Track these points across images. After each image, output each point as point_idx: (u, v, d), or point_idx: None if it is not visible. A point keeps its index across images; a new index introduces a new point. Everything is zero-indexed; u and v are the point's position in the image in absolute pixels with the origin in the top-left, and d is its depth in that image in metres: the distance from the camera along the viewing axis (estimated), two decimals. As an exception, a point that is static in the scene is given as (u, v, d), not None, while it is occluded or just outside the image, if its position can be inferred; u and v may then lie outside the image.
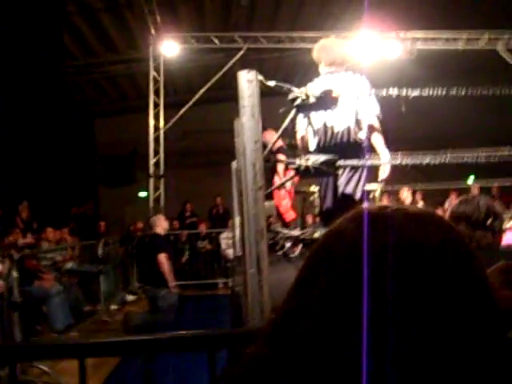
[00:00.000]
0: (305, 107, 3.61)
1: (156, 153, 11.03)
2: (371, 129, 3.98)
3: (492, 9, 10.79)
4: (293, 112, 3.72)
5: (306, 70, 10.72)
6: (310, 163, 3.44)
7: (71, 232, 10.53)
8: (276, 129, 4.26)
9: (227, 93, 12.26)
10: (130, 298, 10.24)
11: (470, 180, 9.89)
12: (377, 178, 4.16)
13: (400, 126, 9.79)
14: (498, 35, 10.88)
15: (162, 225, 7.44)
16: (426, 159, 3.75)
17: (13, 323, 5.38)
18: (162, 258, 7.01)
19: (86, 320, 7.78)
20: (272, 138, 4.71)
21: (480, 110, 11.96)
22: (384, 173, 4.02)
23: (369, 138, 4.01)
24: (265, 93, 3.33)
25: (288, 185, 5.48)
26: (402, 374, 0.58)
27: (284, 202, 5.95)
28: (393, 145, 4.15)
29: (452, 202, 9.16)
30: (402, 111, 3.74)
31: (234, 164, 6.59)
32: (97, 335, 7.22)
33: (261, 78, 3.29)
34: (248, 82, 3.20)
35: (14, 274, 5.50)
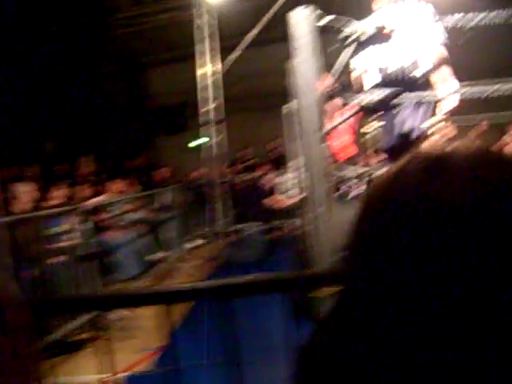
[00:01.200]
0: (358, 45, 3.52)
1: (214, 98, 11.00)
2: (438, 58, 3.84)
3: None
4: (346, 51, 3.63)
5: (360, 3, 10.30)
6: (374, 98, 3.38)
7: (138, 182, 10.79)
8: (327, 69, 4.17)
9: (277, 34, 12.00)
10: (199, 242, 10.50)
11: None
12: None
13: (464, 58, 9.37)
14: None
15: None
16: (495, 86, 3.59)
17: (92, 273, 5.62)
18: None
19: (157, 266, 8.05)
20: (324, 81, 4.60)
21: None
22: (452, 102, 3.87)
23: (430, 72, 3.87)
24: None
25: (350, 120, 5.40)
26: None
27: (345, 138, 5.86)
28: (456, 76, 4.00)
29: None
30: (465, 41, 3.59)
31: (284, 108, 6.58)
32: (170, 281, 7.49)
33: (317, 13, 3.20)
34: (305, 19, 3.12)
35: (87, 225, 5.72)
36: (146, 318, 5.52)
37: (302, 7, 3.18)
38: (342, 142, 5.93)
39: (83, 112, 12.13)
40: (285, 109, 6.41)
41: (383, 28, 3.33)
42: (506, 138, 9.01)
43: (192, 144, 14.29)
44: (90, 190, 8.40)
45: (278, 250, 8.31)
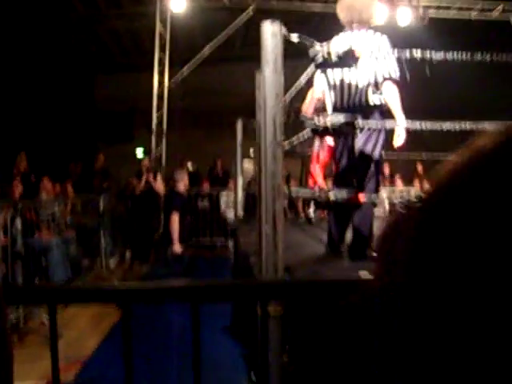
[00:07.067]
0: (324, 65, 3.51)
1: (158, 109, 10.84)
2: (388, 91, 3.85)
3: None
4: (311, 69, 3.63)
5: (317, 33, 10.47)
6: (329, 123, 3.37)
7: (72, 185, 10.45)
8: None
9: (231, 54, 12.04)
10: (129, 253, 10.21)
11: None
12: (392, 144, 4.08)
13: (416, 95, 9.68)
14: (513, 7, 10.72)
15: (184, 181, 7.47)
16: (445, 125, 3.69)
17: (16, 273, 5.36)
18: (173, 216, 6.99)
19: (84, 274, 7.76)
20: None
21: (497, 80, 11.80)
22: (400, 137, 3.92)
23: (386, 101, 3.91)
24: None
25: (315, 148, 5.31)
26: None
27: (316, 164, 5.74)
28: (409, 113, 4.05)
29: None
30: (417, 78, 3.65)
31: (239, 123, 6.52)
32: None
33: (284, 31, 3.19)
34: (272, 34, 3.10)
35: (19, 224, 5.45)
36: (69, 327, 5.28)
37: (270, 21, 3.14)
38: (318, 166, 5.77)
39: (26, 108, 11.68)
40: (240, 123, 6.39)
41: (353, 51, 3.34)
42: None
43: (139, 153, 14.11)
44: (23, 187, 8.00)
45: (200, 266, 8.17)
